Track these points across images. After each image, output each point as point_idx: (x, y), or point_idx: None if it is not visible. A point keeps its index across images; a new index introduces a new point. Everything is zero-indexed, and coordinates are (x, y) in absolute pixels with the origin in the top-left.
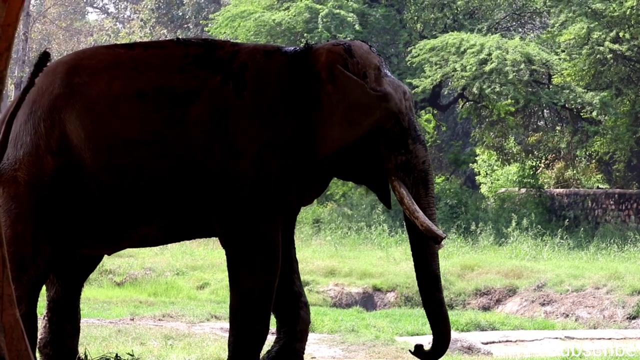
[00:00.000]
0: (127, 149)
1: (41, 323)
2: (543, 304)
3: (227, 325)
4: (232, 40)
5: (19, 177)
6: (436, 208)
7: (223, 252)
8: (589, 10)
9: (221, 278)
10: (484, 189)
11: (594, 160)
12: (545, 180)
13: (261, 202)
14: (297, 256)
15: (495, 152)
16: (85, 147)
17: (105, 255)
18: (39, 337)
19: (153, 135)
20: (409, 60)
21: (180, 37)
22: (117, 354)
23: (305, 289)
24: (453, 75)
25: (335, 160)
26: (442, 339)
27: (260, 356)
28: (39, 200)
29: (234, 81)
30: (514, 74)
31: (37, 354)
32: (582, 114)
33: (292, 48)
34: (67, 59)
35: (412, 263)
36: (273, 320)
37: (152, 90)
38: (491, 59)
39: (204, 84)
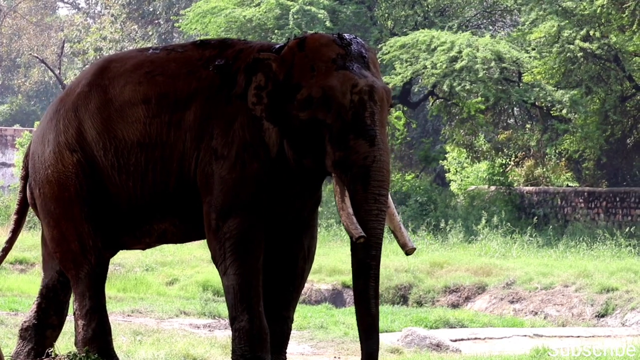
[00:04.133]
0: (132, 151)
1: (31, 307)
2: (512, 302)
3: (194, 321)
4: (244, 39)
5: (51, 177)
6: (384, 205)
7: (192, 248)
8: (560, 8)
9: (190, 274)
10: (453, 187)
11: (563, 159)
12: (515, 178)
13: (233, 202)
14: None
15: (465, 150)
16: (96, 146)
17: None
18: (24, 319)
19: (155, 138)
20: (379, 58)
21: (201, 39)
22: (86, 349)
23: None
24: (423, 72)
25: (295, 157)
26: (362, 325)
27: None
28: (72, 197)
29: (229, 87)
30: (484, 71)
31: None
32: (552, 112)
33: (281, 44)
34: (100, 60)
35: (382, 260)
36: None
37: (157, 95)
38: (461, 56)
39: (203, 87)
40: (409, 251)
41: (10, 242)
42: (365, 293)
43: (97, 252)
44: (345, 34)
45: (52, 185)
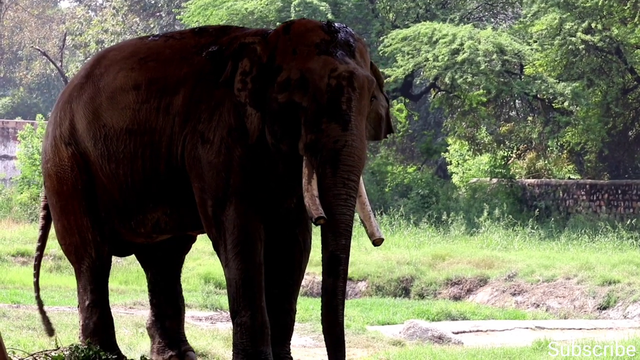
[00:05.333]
0: (121, 138)
1: (149, 307)
2: (514, 294)
3: (196, 314)
4: (241, 27)
5: (50, 170)
6: (353, 191)
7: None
8: (561, 0)
9: (192, 267)
10: (455, 179)
11: (565, 151)
12: (517, 171)
13: (225, 188)
14: None
15: (467, 142)
16: (87, 136)
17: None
18: (147, 320)
19: (144, 124)
20: (381, 50)
21: (200, 26)
22: (88, 342)
23: None
24: (425, 65)
25: (273, 142)
26: (330, 337)
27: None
28: (70, 191)
29: (219, 72)
30: (486, 64)
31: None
32: (553, 105)
33: (272, 30)
34: (101, 51)
35: (384, 252)
36: None
37: (147, 81)
38: (463, 49)
39: (193, 72)
40: (376, 241)
41: (42, 240)
42: (334, 297)
43: (96, 246)
44: (336, 23)
45: (52, 179)
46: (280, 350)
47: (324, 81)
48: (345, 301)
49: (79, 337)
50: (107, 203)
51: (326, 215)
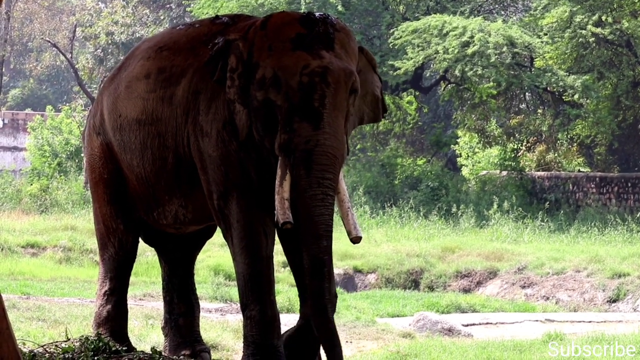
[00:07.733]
0: (133, 129)
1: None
2: (524, 287)
3: (206, 305)
4: (252, 16)
5: (86, 158)
6: (330, 189)
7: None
8: None
9: (202, 258)
10: (465, 171)
11: (575, 144)
12: (527, 163)
13: (225, 182)
14: None
15: (476, 135)
16: (108, 125)
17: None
18: (162, 319)
19: (151, 114)
20: (391, 42)
21: (217, 14)
22: (98, 333)
23: (287, 270)
24: (435, 57)
25: (258, 139)
26: (323, 337)
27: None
28: (97, 179)
29: (215, 61)
30: (496, 56)
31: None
32: (564, 97)
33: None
34: (140, 41)
35: (393, 245)
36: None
37: (156, 70)
38: (473, 41)
39: (196, 62)
40: (354, 239)
41: None
42: (321, 298)
43: (119, 235)
44: (317, 13)
45: (88, 167)
46: (314, 338)
47: (296, 79)
48: (354, 294)
49: (92, 325)
50: (132, 194)
51: (305, 217)
